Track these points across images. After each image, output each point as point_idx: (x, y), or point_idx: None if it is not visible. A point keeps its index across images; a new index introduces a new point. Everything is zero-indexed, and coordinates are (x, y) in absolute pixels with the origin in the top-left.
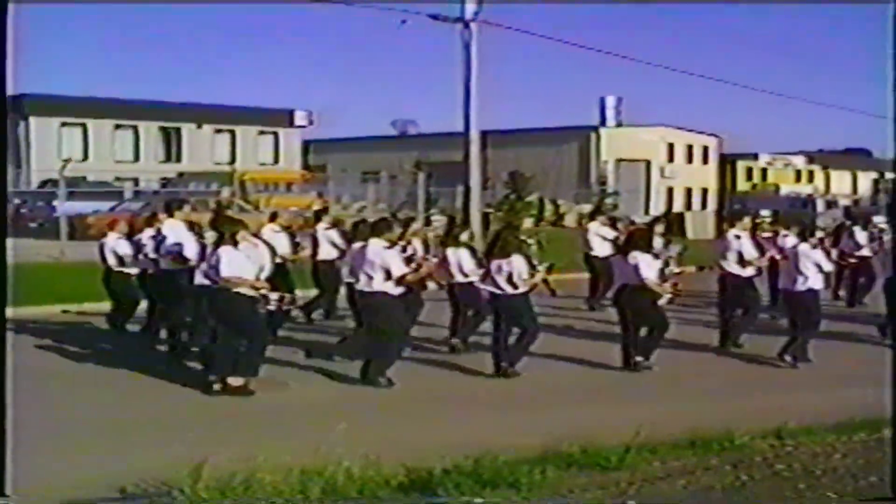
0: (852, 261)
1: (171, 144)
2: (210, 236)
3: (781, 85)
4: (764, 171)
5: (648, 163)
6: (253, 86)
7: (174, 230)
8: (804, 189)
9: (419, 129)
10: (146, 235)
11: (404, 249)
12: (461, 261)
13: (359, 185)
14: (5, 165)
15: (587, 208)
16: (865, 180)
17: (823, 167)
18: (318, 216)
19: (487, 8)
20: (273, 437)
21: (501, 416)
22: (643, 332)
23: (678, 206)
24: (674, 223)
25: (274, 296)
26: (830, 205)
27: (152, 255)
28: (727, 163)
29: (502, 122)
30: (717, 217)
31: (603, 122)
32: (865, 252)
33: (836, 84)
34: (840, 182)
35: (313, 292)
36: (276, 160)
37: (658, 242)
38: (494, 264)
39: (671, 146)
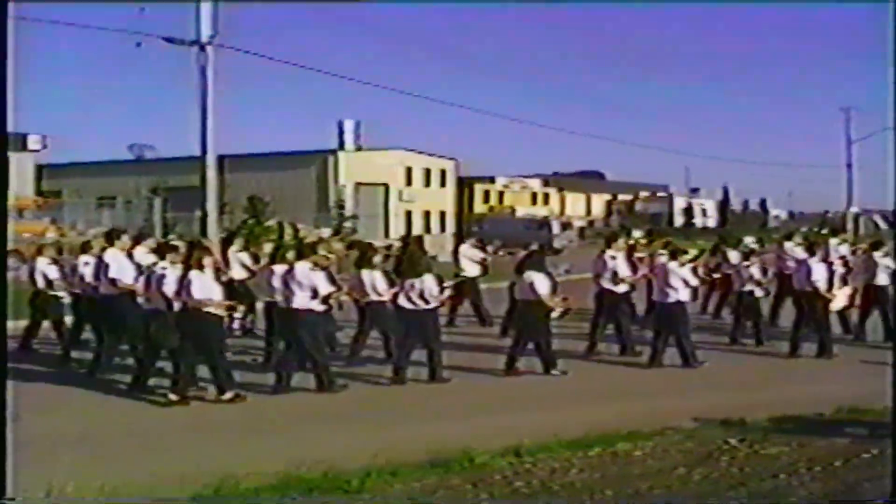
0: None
1: None
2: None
3: (516, 109)
4: (501, 194)
5: (387, 186)
6: None
7: (115, 258)
8: (540, 211)
9: (156, 154)
10: (82, 262)
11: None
12: (375, 281)
13: (94, 211)
14: (6, 166)
15: (326, 232)
16: (599, 202)
17: (559, 190)
18: (39, 250)
19: (224, 31)
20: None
21: (242, 441)
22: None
23: (417, 228)
24: (413, 246)
25: (238, 314)
26: (565, 226)
27: (92, 281)
28: (465, 185)
29: (240, 146)
30: (456, 239)
31: (341, 145)
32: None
33: (570, 108)
34: (575, 204)
35: None
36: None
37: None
38: (408, 283)
39: (409, 169)
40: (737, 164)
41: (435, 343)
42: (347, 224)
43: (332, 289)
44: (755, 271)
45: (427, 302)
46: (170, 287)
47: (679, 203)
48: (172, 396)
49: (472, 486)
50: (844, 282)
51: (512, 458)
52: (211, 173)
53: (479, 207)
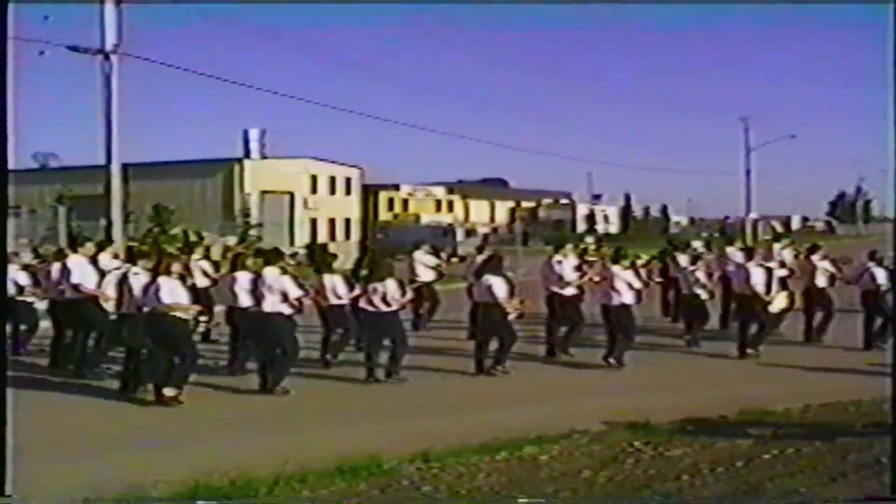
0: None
1: None
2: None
3: (420, 117)
4: (405, 201)
5: (292, 194)
6: None
7: (78, 264)
8: (445, 218)
9: (61, 162)
10: (55, 268)
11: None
12: (335, 286)
13: None
14: (6, 165)
15: (232, 241)
16: (503, 209)
17: (463, 197)
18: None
19: (129, 40)
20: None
21: (150, 449)
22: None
23: (323, 236)
24: (318, 254)
25: (204, 318)
26: (470, 233)
27: (62, 286)
28: (370, 193)
29: (145, 154)
30: (361, 246)
31: (247, 154)
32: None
33: (474, 116)
34: (479, 211)
35: None
36: None
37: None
38: (371, 287)
39: (314, 178)
40: (638, 171)
41: (400, 344)
42: (253, 232)
43: (300, 293)
44: (701, 275)
45: (389, 305)
46: (139, 292)
47: (582, 210)
48: (170, 392)
49: (380, 491)
50: (784, 285)
51: (420, 464)
52: (116, 182)
53: (384, 215)
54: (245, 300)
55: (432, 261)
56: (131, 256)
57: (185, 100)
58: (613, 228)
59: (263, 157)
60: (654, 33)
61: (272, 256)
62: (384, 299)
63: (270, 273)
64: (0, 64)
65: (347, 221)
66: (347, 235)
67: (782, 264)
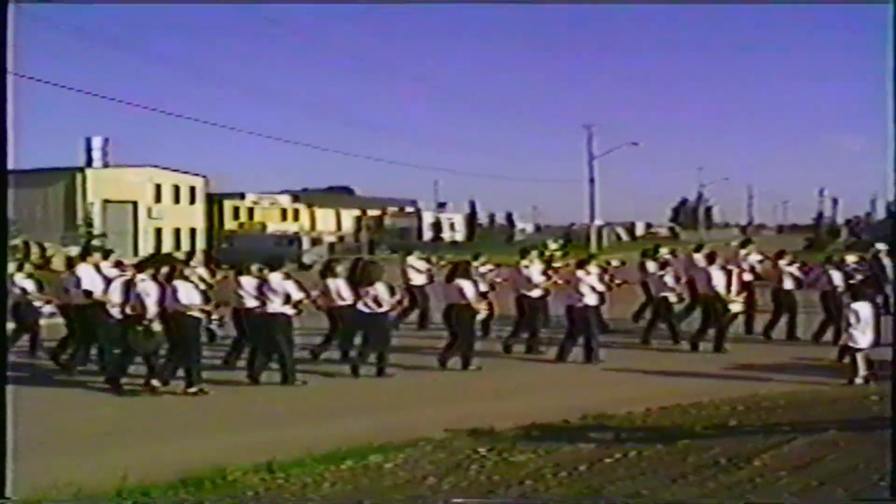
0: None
1: None
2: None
3: (265, 125)
4: (251, 210)
5: (136, 204)
6: None
7: (87, 272)
8: (291, 227)
9: None
10: (67, 276)
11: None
12: (339, 288)
13: None
14: (6, 166)
15: (75, 251)
16: (348, 217)
17: (308, 206)
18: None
19: None
20: None
21: None
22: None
23: (167, 246)
24: (166, 264)
25: (216, 316)
26: (315, 242)
27: (73, 293)
28: (215, 202)
29: None
30: (206, 256)
31: (89, 162)
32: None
33: (319, 124)
34: (325, 220)
35: None
36: None
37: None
38: (363, 290)
39: (158, 187)
40: (483, 178)
41: (384, 343)
42: (96, 242)
43: (301, 295)
44: (669, 280)
45: (380, 306)
46: (152, 297)
47: (427, 218)
48: (192, 389)
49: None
50: (746, 287)
51: (265, 474)
52: None
53: (229, 224)
54: (249, 301)
55: (424, 266)
56: (140, 266)
57: (23, 107)
58: (459, 236)
59: (106, 165)
60: (497, 40)
61: (276, 263)
62: (375, 300)
63: (275, 277)
64: (0, 64)
65: (192, 231)
66: (192, 245)
67: (752, 269)
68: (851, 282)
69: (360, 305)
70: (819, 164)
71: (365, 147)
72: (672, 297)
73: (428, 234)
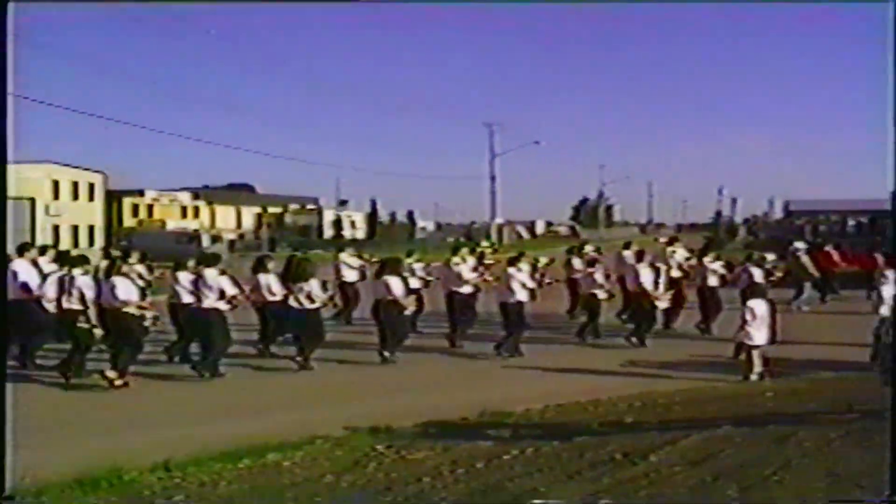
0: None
1: None
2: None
3: (165, 121)
4: (150, 207)
5: (33, 200)
6: None
7: (23, 267)
8: (191, 224)
9: None
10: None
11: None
12: (270, 284)
13: None
14: (6, 166)
15: None
16: (249, 215)
17: (208, 203)
18: None
19: None
20: None
21: None
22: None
23: (66, 243)
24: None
25: (150, 313)
26: (215, 239)
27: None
28: (114, 199)
29: None
30: (105, 253)
31: None
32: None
33: (219, 121)
34: (225, 217)
35: None
36: None
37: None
38: (297, 286)
39: (56, 183)
40: (384, 176)
41: (317, 339)
42: None
43: (235, 291)
44: (599, 277)
45: (313, 302)
46: (90, 291)
47: (328, 215)
48: (110, 374)
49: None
50: (674, 284)
51: (161, 473)
52: None
53: (128, 221)
54: (186, 297)
55: (356, 262)
56: (74, 261)
57: None
58: (360, 234)
59: None
60: (399, 36)
61: (210, 260)
62: (308, 297)
63: (210, 273)
64: (0, 64)
65: (91, 228)
66: (91, 242)
67: (679, 266)
68: (772, 278)
69: (291, 301)
70: (719, 163)
71: (266, 144)
72: (601, 294)
73: (329, 232)
